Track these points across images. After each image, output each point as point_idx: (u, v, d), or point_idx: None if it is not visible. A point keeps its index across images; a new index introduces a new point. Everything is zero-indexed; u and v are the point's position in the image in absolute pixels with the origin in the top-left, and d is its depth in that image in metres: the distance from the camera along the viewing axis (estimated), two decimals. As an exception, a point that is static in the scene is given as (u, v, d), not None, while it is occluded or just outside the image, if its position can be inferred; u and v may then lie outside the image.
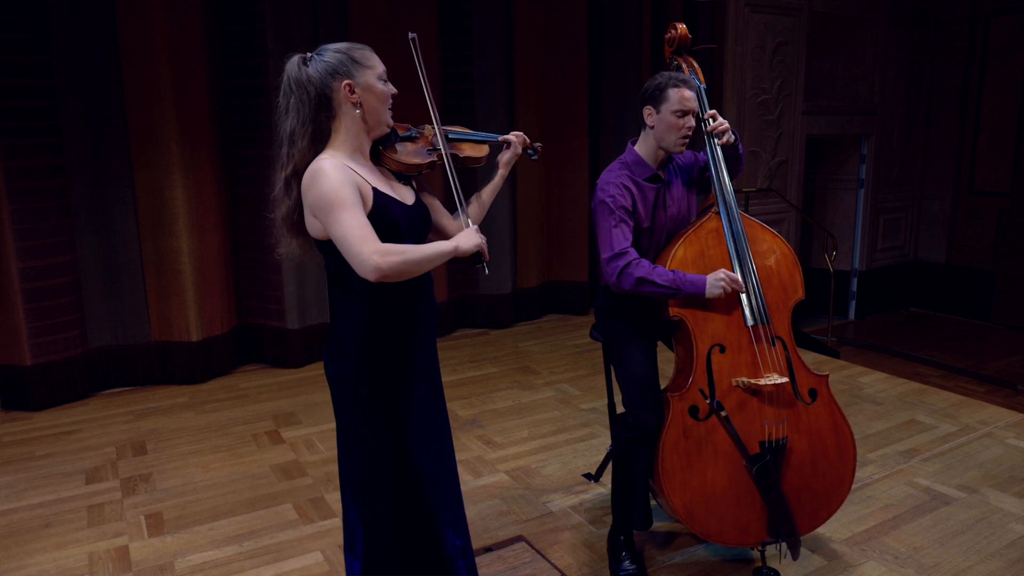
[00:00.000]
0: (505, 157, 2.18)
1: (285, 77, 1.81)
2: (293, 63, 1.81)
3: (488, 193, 2.18)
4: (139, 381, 4.45)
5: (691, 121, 2.44)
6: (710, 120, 2.51)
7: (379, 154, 1.95)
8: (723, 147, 2.55)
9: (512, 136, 2.19)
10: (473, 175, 4.75)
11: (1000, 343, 6.72)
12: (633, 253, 2.40)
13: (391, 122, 1.92)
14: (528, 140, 2.23)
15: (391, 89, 1.88)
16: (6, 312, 3.97)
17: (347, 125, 1.83)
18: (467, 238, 1.85)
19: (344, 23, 4.75)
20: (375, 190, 1.81)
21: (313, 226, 1.82)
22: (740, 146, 2.63)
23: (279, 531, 2.87)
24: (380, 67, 1.86)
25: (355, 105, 1.81)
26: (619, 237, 2.41)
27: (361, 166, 1.85)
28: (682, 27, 2.73)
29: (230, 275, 4.64)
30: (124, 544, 2.79)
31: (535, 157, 2.27)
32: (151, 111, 4.18)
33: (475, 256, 1.88)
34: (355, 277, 1.79)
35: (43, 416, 3.99)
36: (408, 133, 2.01)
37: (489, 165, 2.19)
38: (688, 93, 2.42)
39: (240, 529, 2.89)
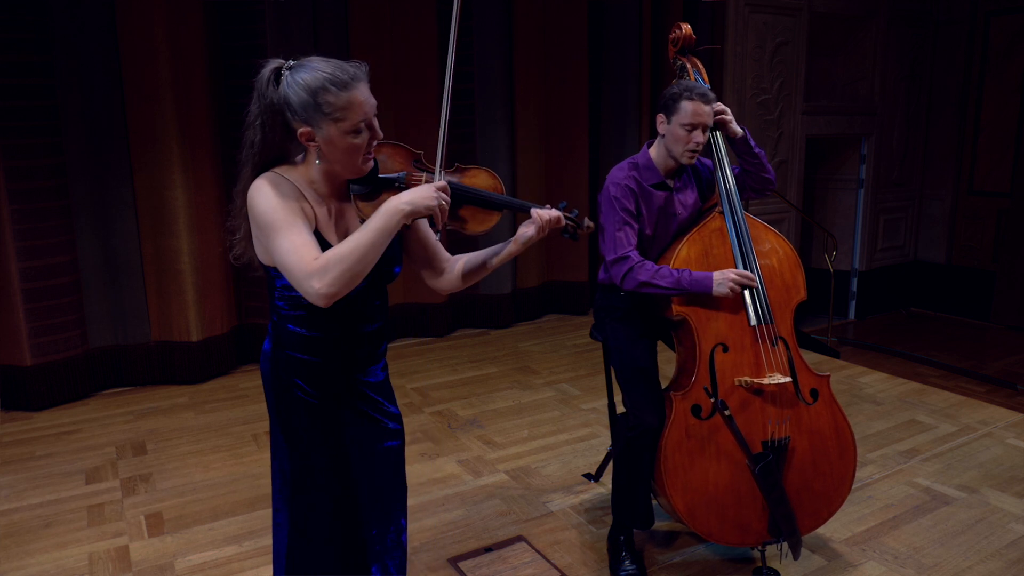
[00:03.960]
0: (525, 232, 1.75)
1: (257, 84, 1.59)
2: (264, 76, 1.57)
3: (488, 260, 1.83)
4: (139, 381, 4.45)
5: (700, 136, 2.41)
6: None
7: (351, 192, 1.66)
8: (732, 143, 2.54)
9: (546, 213, 1.74)
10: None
11: (1000, 343, 6.71)
12: (636, 257, 2.42)
13: (365, 168, 1.61)
14: (562, 219, 1.75)
15: (373, 136, 1.58)
16: (6, 312, 3.97)
17: (310, 162, 1.62)
18: (412, 194, 1.52)
19: (344, 23, 4.75)
20: (316, 232, 1.60)
21: (256, 246, 1.65)
22: (757, 149, 2.54)
23: (279, 531, 2.87)
24: (355, 118, 1.54)
25: (315, 152, 1.58)
26: (623, 240, 2.43)
27: (316, 197, 1.64)
28: (687, 27, 2.73)
29: (230, 275, 4.63)
30: (124, 544, 2.79)
31: (575, 239, 1.83)
32: (151, 111, 4.17)
33: (429, 219, 1.57)
34: (279, 304, 1.68)
35: (43, 416, 3.99)
36: (394, 176, 1.65)
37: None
38: (703, 108, 2.39)
39: (240, 529, 2.89)
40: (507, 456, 3.51)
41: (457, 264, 1.86)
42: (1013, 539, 2.80)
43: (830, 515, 2.54)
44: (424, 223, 1.83)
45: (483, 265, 1.84)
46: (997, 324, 7.16)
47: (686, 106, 2.39)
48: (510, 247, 1.78)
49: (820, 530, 2.80)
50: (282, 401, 1.75)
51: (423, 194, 1.53)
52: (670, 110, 2.43)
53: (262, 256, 1.66)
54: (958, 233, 7.71)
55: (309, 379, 1.72)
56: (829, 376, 2.53)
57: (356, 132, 1.55)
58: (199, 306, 4.42)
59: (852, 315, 7.63)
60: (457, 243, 4.64)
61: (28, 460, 3.49)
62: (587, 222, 1.81)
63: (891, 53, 7.21)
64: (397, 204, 1.51)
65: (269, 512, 2.99)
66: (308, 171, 1.64)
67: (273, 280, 1.68)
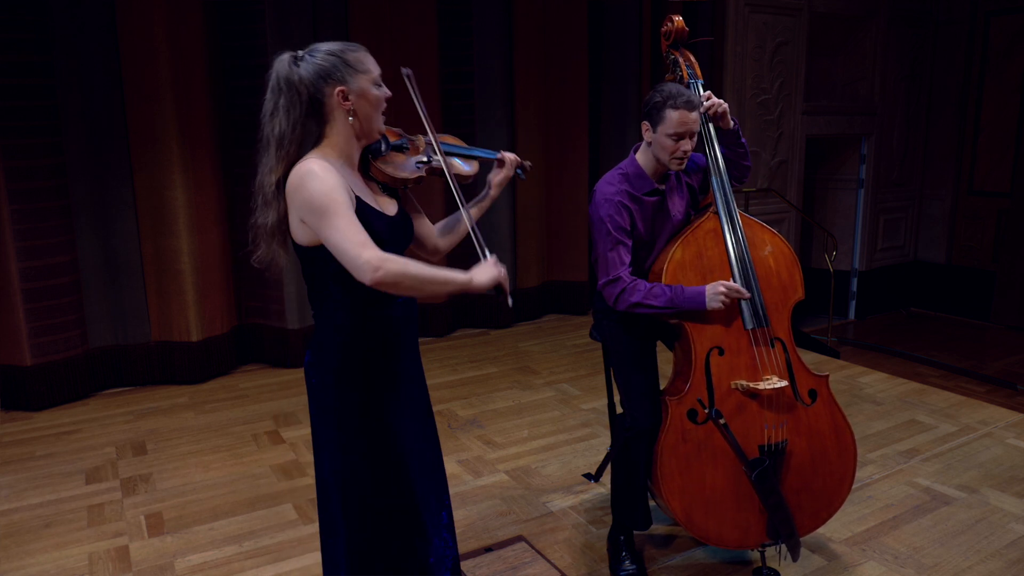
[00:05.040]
0: (498, 178, 2.09)
1: (274, 75, 1.73)
2: (283, 61, 1.73)
3: (475, 214, 2.09)
4: (139, 381, 4.45)
5: (687, 144, 2.35)
6: (705, 103, 2.46)
7: (367, 162, 1.86)
8: (722, 134, 2.51)
9: (509, 154, 2.10)
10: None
11: (1000, 343, 6.71)
12: (627, 278, 2.36)
13: (383, 128, 1.84)
14: (520, 160, 2.14)
15: (386, 93, 1.80)
16: (6, 312, 3.97)
17: (338, 131, 1.76)
18: (483, 272, 1.75)
19: (344, 23, 4.76)
20: (358, 199, 1.73)
21: (298, 231, 1.73)
22: (743, 139, 2.56)
23: (279, 531, 2.87)
24: (375, 70, 1.78)
25: (348, 112, 1.74)
26: (615, 261, 2.37)
27: (348, 173, 1.77)
28: (678, 19, 2.68)
29: (230, 275, 4.64)
30: (124, 544, 2.79)
31: (523, 177, 2.17)
32: (151, 111, 4.18)
33: (496, 288, 1.79)
34: (334, 285, 1.75)
35: (43, 416, 3.99)
36: (399, 142, 1.92)
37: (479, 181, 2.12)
38: (688, 115, 2.32)
39: (240, 529, 2.89)
40: (507, 456, 3.52)
41: (436, 229, 2.11)
42: (1013, 539, 2.80)
43: (830, 515, 2.53)
44: (425, 224, 2.07)
45: (457, 222, 2.10)
46: (997, 324, 7.16)
47: (671, 115, 2.32)
48: (489, 193, 2.10)
49: (820, 530, 2.80)
50: (341, 385, 1.79)
51: (486, 273, 1.76)
52: (654, 119, 2.36)
53: (305, 239, 1.72)
54: (958, 233, 7.71)
55: (368, 353, 1.81)
56: (828, 376, 2.51)
57: (378, 84, 1.78)
58: (199, 306, 4.43)
59: (852, 315, 7.63)
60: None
61: (28, 460, 3.49)
62: (527, 162, 2.17)
63: (891, 53, 7.22)
64: (469, 277, 1.73)
65: (269, 512, 3.00)
66: (338, 142, 1.76)
67: (325, 262, 1.72)
